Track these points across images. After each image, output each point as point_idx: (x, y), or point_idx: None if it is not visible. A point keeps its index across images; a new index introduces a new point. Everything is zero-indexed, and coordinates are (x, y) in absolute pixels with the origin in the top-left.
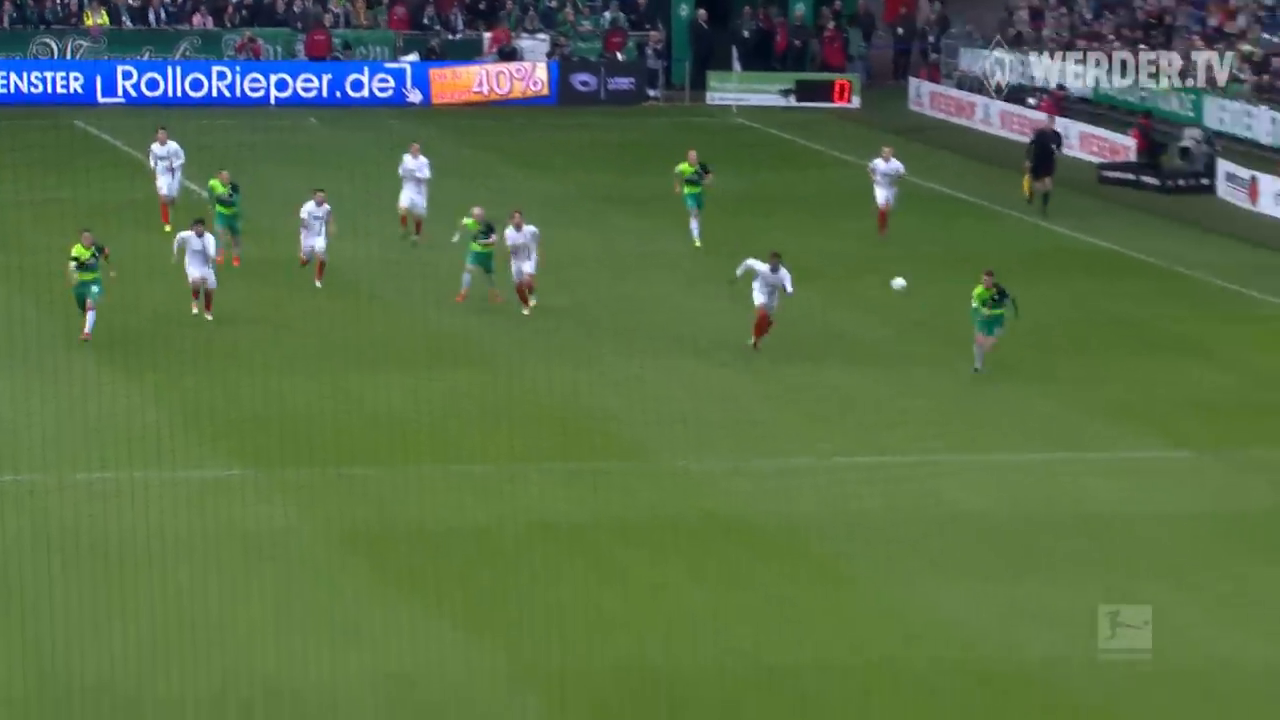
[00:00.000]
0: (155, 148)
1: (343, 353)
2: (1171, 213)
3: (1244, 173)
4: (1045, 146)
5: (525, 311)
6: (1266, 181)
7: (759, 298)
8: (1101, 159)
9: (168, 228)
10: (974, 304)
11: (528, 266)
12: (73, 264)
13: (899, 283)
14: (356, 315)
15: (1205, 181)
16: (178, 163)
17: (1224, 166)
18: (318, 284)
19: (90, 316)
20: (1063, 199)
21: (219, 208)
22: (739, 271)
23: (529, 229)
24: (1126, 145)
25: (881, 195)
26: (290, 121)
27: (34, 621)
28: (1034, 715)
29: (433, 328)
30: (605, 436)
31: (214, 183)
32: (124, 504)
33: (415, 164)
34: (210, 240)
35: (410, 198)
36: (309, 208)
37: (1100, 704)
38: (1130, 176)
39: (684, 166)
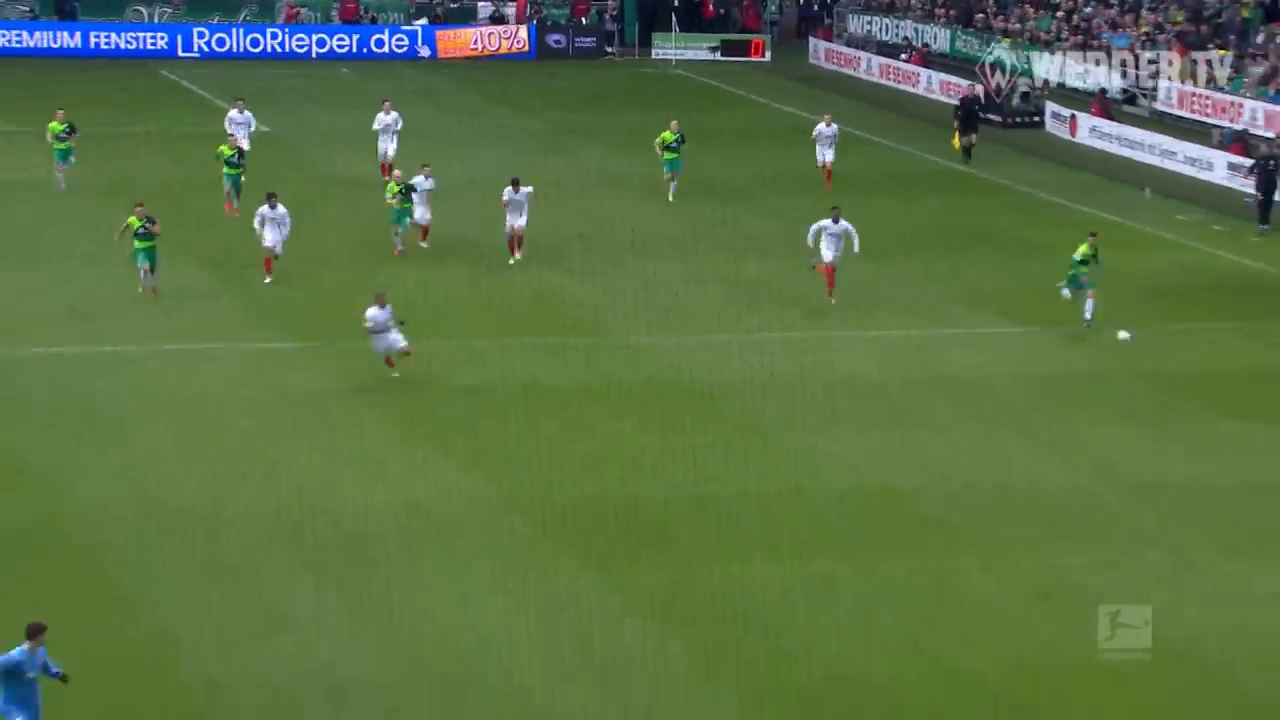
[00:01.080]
0: (233, 114)
1: (368, 253)
2: (1010, 143)
3: (1065, 112)
4: (970, 109)
5: (511, 261)
6: (1083, 118)
7: (826, 254)
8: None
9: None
10: (1075, 259)
11: (520, 221)
12: (123, 230)
13: (1124, 335)
14: (376, 228)
15: (1036, 119)
16: (250, 129)
17: (1050, 107)
18: (423, 244)
19: (147, 277)
20: (924, 131)
21: (226, 169)
22: (809, 240)
23: (525, 190)
24: (976, 90)
25: (821, 154)
26: (328, 71)
27: (132, 459)
28: (903, 527)
29: (436, 236)
30: (574, 318)
31: (222, 148)
32: (198, 368)
33: (388, 119)
34: (283, 210)
35: (384, 147)
36: (419, 180)
37: (954, 519)
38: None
39: (666, 135)
